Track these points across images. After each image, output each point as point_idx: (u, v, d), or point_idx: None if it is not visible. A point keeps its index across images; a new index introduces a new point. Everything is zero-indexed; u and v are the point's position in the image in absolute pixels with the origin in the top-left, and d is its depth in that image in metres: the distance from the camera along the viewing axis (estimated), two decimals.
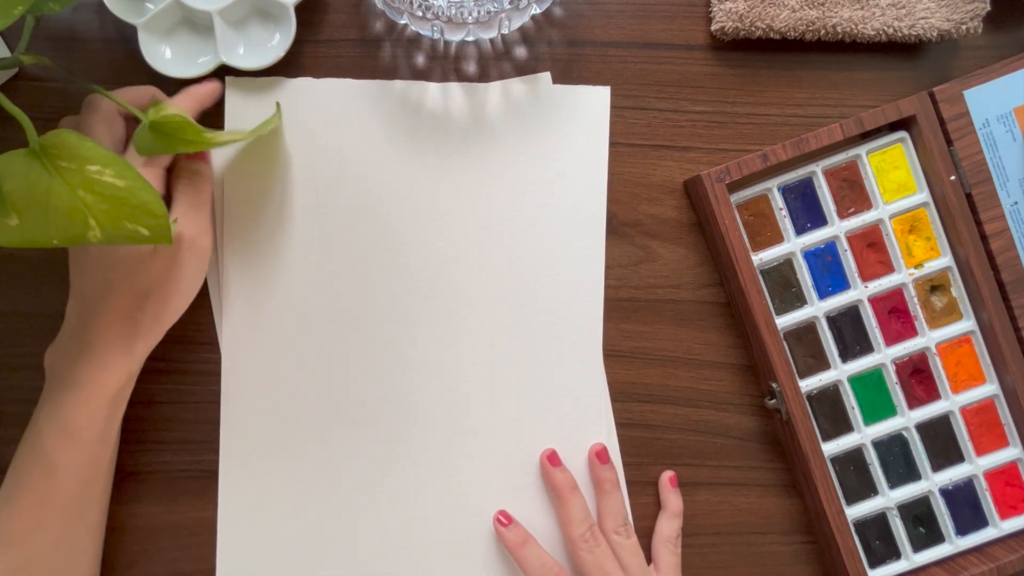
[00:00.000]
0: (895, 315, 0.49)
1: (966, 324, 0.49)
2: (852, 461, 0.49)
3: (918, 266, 0.49)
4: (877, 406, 0.49)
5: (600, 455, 0.49)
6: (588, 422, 0.49)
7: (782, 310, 0.49)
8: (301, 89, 0.48)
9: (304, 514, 0.49)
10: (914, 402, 0.49)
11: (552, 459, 0.48)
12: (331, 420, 0.49)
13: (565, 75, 0.49)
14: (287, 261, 0.48)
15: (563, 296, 0.49)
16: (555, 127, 0.49)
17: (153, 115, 0.40)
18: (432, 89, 0.49)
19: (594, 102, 0.49)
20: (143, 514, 0.49)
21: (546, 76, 0.49)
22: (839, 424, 0.49)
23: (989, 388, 0.49)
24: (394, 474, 0.49)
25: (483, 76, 0.49)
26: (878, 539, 0.49)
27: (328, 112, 0.48)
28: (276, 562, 0.48)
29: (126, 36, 0.47)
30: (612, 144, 0.49)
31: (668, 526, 0.48)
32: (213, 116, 0.47)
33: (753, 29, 0.47)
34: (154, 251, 0.41)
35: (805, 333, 0.49)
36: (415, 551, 0.49)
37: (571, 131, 0.49)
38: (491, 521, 0.49)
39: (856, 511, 0.49)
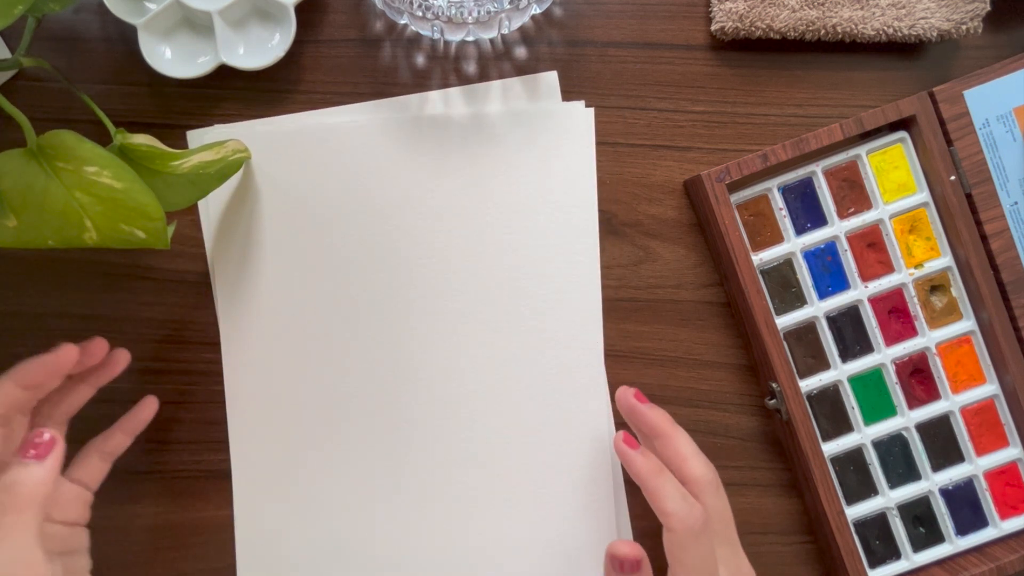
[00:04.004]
0: (895, 315, 0.49)
1: (966, 324, 0.49)
2: (852, 461, 0.49)
3: (918, 266, 0.48)
4: (877, 406, 0.49)
5: (639, 397, 0.45)
6: (589, 422, 0.49)
7: (782, 310, 0.49)
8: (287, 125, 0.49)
9: (316, 512, 0.49)
10: (914, 402, 0.49)
11: (639, 397, 0.45)
12: (335, 423, 0.49)
13: (565, 75, 0.49)
14: (286, 264, 0.49)
15: (563, 299, 0.49)
16: (546, 136, 0.49)
17: (121, 140, 0.40)
18: (432, 95, 0.49)
19: (577, 113, 0.49)
20: (143, 514, 0.49)
21: (552, 76, 0.49)
22: (839, 424, 0.49)
23: (989, 388, 0.49)
24: (397, 475, 0.49)
25: (483, 76, 0.49)
26: (878, 539, 0.49)
27: (324, 127, 0.48)
28: (294, 558, 0.49)
29: (126, 36, 0.47)
30: (612, 144, 0.49)
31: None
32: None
33: (753, 29, 0.47)
34: None
35: (805, 333, 0.49)
36: (426, 547, 0.49)
37: (560, 139, 0.49)
38: (497, 515, 0.49)
39: (856, 511, 0.49)
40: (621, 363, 0.50)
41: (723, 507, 0.41)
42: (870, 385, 0.49)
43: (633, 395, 0.45)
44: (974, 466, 0.49)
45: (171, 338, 0.49)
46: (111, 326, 0.48)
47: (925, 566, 0.49)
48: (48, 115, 0.47)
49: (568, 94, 0.49)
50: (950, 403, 0.49)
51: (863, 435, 0.49)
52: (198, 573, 0.49)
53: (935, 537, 0.49)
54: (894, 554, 0.49)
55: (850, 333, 0.49)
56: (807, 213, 0.48)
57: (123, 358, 0.44)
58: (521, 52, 0.49)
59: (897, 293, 0.49)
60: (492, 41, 0.49)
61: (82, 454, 0.44)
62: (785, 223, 0.49)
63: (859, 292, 0.48)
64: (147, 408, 0.46)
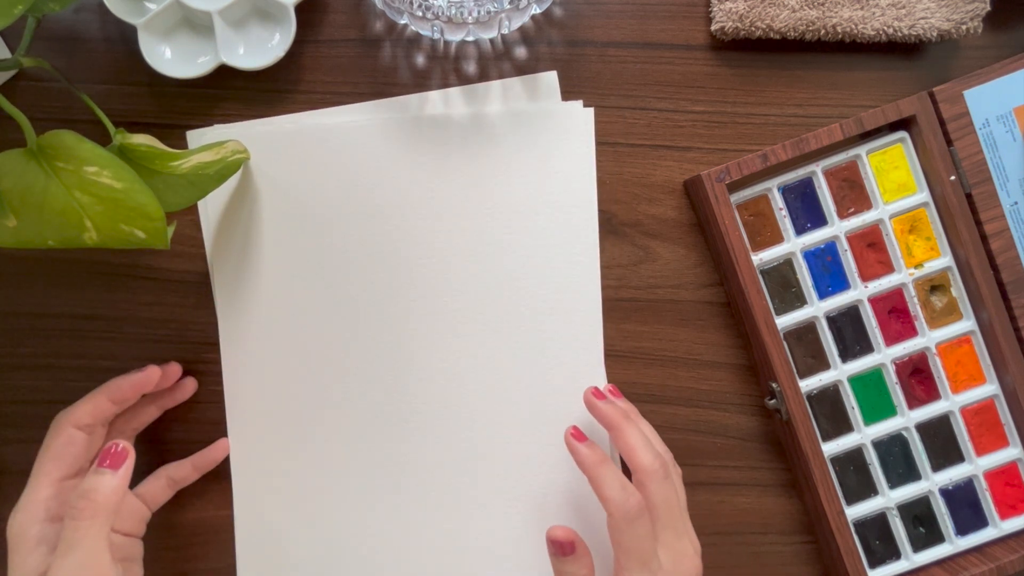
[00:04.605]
0: (895, 315, 0.49)
1: (966, 324, 0.49)
2: (852, 461, 0.49)
3: (918, 266, 0.48)
4: (877, 406, 0.49)
5: (612, 392, 0.47)
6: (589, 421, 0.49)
7: (782, 310, 0.49)
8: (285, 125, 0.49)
9: (316, 512, 0.49)
10: (914, 402, 0.49)
11: (597, 394, 0.46)
12: (335, 423, 0.49)
13: (565, 75, 0.49)
14: (286, 264, 0.49)
15: (563, 299, 0.49)
16: (546, 136, 0.49)
17: (120, 140, 0.40)
18: (432, 95, 0.49)
19: (576, 113, 0.49)
20: None
21: (552, 76, 0.49)
22: (839, 424, 0.49)
23: (989, 388, 0.49)
24: (397, 475, 0.49)
25: (483, 76, 0.49)
26: (878, 539, 0.49)
27: (324, 128, 0.48)
28: (294, 558, 0.49)
29: (126, 36, 0.47)
30: (612, 144, 0.49)
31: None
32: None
33: (753, 29, 0.47)
34: None
35: (805, 333, 0.49)
36: (426, 546, 0.49)
37: (560, 139, 0.49)
38: (497, 514, 0.49)
39: (856, 511, 0.49)
40: (621, 363, 0.50)
41: (668, 495, 0.42)
42: (870, 385, 0.49)
43: (592, 392, 0.46)
44: (974, 466, 0.49)
45: (171, 338, 0.49)
46: (111, 326, 0.49)
47: (925, 566, 0.49)
48: (48, 115, 0.47)
49: (568, 94, 0.49)
50: (950, 403, 0.49)
51: (863, 435, 0.49)
52: (198, 573, 0.49)
53: (935, 537, 0.49)
54: (894, 554, 0.49)
55: (850, 333, 0.49)
56: (807, 213, 0.48)
57: (191, 386, 0.48)
58: (521, 52, 0.49)
59: (897, 293, 0.49)
60: (492, 41, 0.49)
61: (152, 475, 0.47)
62: (785, 223, 0.49)
63: (859, 292, 0.48)
64: (219, 449, 0.49)
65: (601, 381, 0.49)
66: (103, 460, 0.39)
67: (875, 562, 0.49)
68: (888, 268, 0.49)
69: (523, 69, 0.49)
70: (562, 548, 0.42)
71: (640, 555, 0.41)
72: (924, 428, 0.49)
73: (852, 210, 0.48)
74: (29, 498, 0.40)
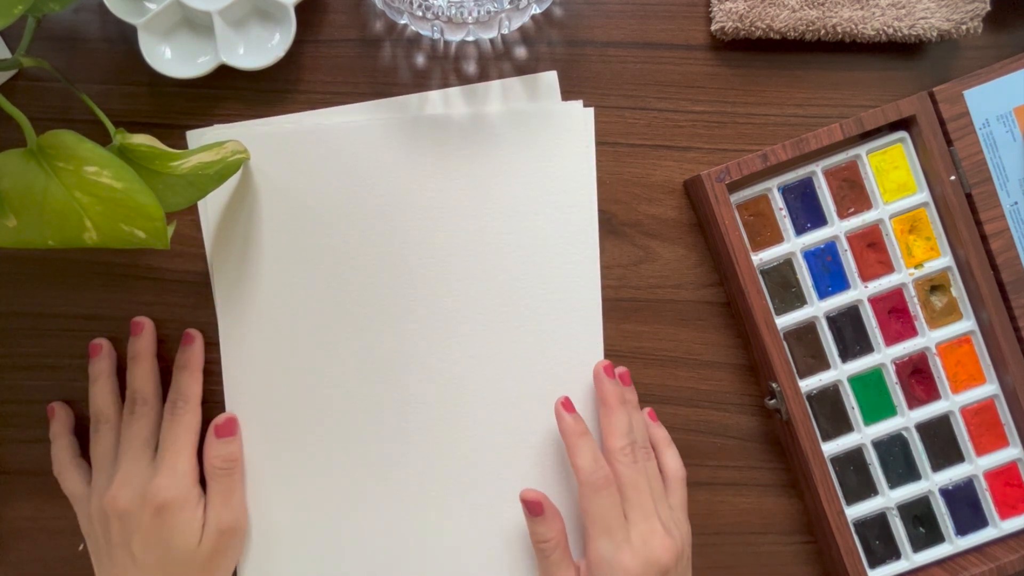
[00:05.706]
0: (895, 315, 0.49)
1: (966, 324, 0.49)
2: (852, 461, 0.49)
3: (918, 266, 0.49)
4: (877, 406, 0.49)
5: (623, 377, 0.49)
6: (589, 421, 0.49)
7: (782, 310, 0.49)
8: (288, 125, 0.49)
9: (316, 511, 0.49)
10: (914, 402, 0.49)
11: (607, 370, 0.48)
12: (335, 423, 0.49)
13: (565, 75, 0.49)
14: (285, 265, 0.49)
15: (563, 299, 0.49)
16: (546, 135, 0.49)
17: (120, 140, 0.40)
18: (432, 95, 0.49)
19: (576, 113, 0.49)
20: None
21: (552, 75, 0.49)
22: (839, 424, 0.49)
23: (989, 388, 0.49)
24: (398, 475, 0.49)
25: (483, 76, 0.49)
26: (878, 539, 0.49)
27: (324, 128, 0.48)
28: (294, 558, 0.49)
29: (126, 36, 0.47)
30: (612, 144, 0.49)
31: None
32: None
33: (753, 29, 0.47)
34: (204, 541, 0.45)
35: (805, 333, 0.49)
36: (427, 546, 0.49)
37: (559, 139, 0.49)
38: (498, 515, 0.49)
39: (856, 511, 0.49)
40: (621, 363, 0.50)
41: (635, 478, 0.45)
42: (870, 385, 0.49)
43: (603, 366, 0.48)
44: (974, 466, 0.49)
45: (171, 338, 0.49)
46: (111, 326, 0.49)
47: (925, 566, 0.49)
48: (48, 115, 0.47)
49: (568, 94, 0.49)
50: (950, 403, 0.49)
51: (863, 435, 0.49)
52: None
53: (935, 537, 0.49)
54: (894, 554, 0.49)
55: (850, 333, 0.49)
56: (807, 213, 0.48)
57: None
58: (521, 52, 0.49)
59: (897, 293, 0.49)
60: (492, 41, 0.49)
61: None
62: (785, 223, 0.49)
63: (859, 292, 0.48)
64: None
65: None
66: (221, 432, 0.47)
67: (875, 562, 0.49)
68: (888, 268, 0.49)
69: (523, 69, 0.49)
70: (531, 508, 0.45)
71: (604, 523, 0.43)
72: (924, 428, 0.49)
73: (852, 210, 0.48)
74: (179, 469, 0.45)
